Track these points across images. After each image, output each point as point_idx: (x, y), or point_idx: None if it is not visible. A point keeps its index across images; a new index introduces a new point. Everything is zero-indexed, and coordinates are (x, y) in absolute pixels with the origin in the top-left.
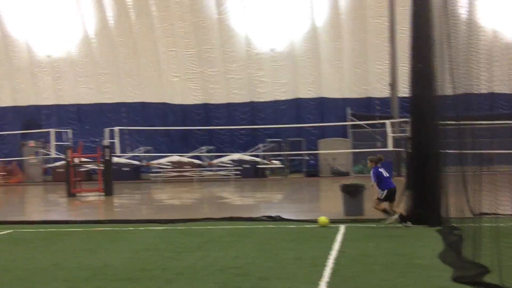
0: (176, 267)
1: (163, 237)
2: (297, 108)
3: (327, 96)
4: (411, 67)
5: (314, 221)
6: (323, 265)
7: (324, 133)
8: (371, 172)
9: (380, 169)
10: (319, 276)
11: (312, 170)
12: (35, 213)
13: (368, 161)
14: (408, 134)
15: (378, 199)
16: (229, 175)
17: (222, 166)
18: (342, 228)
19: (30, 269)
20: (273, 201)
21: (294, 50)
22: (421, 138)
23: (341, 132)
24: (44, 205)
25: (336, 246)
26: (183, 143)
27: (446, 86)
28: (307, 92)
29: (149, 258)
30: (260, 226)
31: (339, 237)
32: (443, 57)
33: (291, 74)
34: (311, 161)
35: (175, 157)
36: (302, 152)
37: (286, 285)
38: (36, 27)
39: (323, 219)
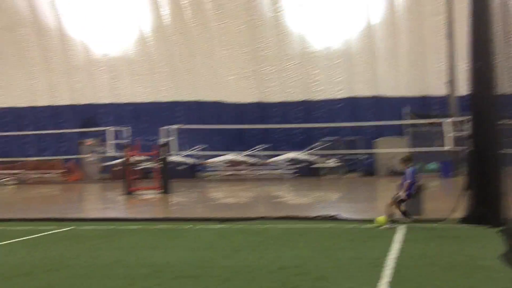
0: (234, 266)
1: (220, 235)
2: (352, 106)
3: (383, 95)
4: (470, 65)
5: (372, 221)
6: (382, 266)
7: (381, 132)
8: (410, 172)
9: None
10: (379, 276)
11: (369, 169)
12: (94, 210)
13: (402, 162)
14: (467, 133)
15: (401, 200)
16: (284, 174)
17: (277, 165)
18: (401, 228)
19: (91, 266)
20: (329, 201)
21: (349, 48)
22: (481, 137)
23: (398, 131)
24: (102, 202)
25: (396, 246)
26: (238, 141)
27: (506, 85)
28: (363, 90)
29: (207, 256)
30: (317, 226)
31: (398, 237)
32: (503, 55)
33: (347, 72)
34: (367, 160)
35: (231, 156)
36: (358, 151)
37: (346, 285)
38: (93, 26)
39: (381, 218)
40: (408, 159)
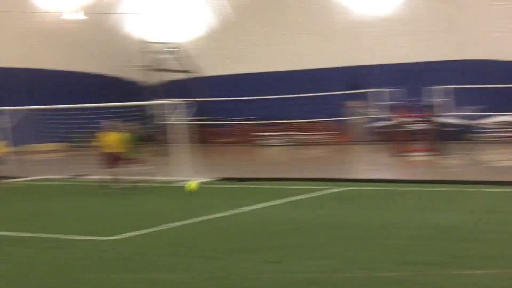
0: None
1: (498, 199)
2: None
3: None
4: None
5: None
6: None
7: None
8: None
9: None
10: None
11: None
12: (366, 171)
13: None
14: None
15: None
16: None
17: None
18: None
19: (373, 225)
20: None
21: None
22: None
23: None
24: (374, 164)
25: None
26: None
27: None
28: None
29: (489, 220)
30: None
31: None
32: None
33: None
34: None
35: (506, 117)
36: None
37: None
38: None
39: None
40: None
